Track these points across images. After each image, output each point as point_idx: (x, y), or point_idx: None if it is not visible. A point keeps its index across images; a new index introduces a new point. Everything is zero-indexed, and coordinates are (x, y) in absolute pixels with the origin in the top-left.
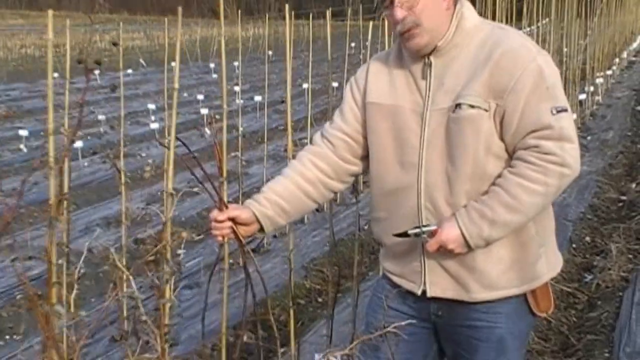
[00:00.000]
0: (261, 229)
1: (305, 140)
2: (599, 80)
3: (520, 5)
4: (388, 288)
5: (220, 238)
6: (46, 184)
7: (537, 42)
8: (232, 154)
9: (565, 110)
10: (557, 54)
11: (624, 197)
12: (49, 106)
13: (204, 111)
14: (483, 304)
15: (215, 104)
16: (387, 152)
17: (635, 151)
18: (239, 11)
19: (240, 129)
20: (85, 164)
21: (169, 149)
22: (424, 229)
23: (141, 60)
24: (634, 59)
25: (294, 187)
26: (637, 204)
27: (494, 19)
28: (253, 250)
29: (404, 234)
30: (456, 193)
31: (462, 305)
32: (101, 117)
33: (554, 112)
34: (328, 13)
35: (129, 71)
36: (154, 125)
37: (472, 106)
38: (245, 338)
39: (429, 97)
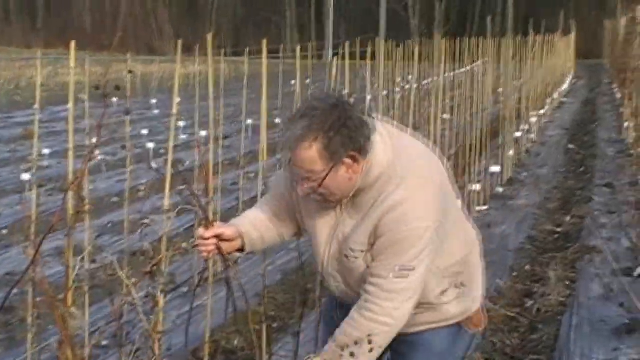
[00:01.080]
0: (240, 249)
1: (252, 174)
2: (533, 119)
3: (459, 46)
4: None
5: (205, 254)
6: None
7: (474, 81)
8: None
9: (407, 272)
10: (494, 93)
11: (559, 229)
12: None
13: (150, 145)
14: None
15: (159, 139)
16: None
17: (568, 187)
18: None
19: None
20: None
21: (158, 171)
22: None
23: (80, 95)
24: (564, 99)
25: (270, 223)
26: (572, 235)
27: (432, 59)
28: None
29: None
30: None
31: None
32: (45, 150)
33: (396, 270)
34: (264, 47)
35: (68, 106)
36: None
37: (356, 258)
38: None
39: (342, 218)
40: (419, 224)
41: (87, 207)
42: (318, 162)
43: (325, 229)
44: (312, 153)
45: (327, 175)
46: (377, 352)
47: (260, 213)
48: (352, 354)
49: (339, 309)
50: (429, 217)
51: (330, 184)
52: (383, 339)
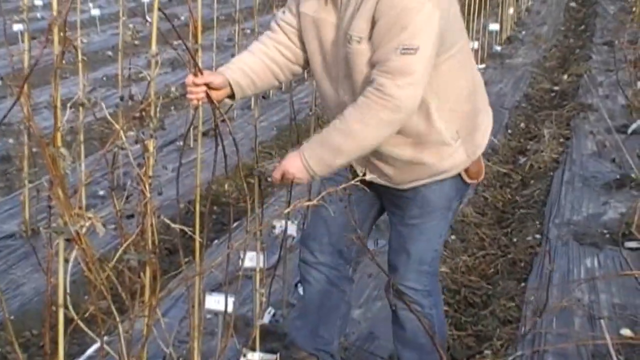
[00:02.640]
0: (231, 96)
1: (248, 30)
2: None
3: None
4: None
5: (195, 102)
6: None
7: None
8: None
9: (411, 50)
10: None
11: (556, 87)
12: None
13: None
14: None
15: None
16: (316, 61)
17: (568, 45)
18: None
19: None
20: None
21: (150, 22)
22: (265, 168)
23: None
24: None
25: (264, 65)
26: (568, 94)
27: None
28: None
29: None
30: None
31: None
32: (38, 2)
33: (399, 51)
34: None
35: None
36: (95, 12)
37: (358, 41)
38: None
39: (344, 17)
40: (414, 2)
41: (80, 58)
42: None
43: (329, 30)
44: None
45: None
46: (368, 146)
47: (250, 57)
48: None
49: None
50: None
51: None
52: (385, 127)
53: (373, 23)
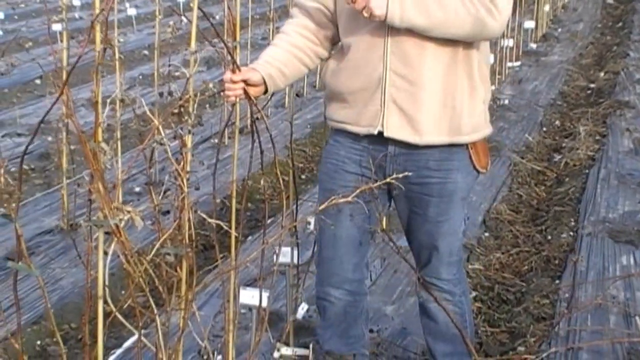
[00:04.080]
0: (265, 91)
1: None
2: None
3: None
4: (342, 153)
5: (232, 98)
6: (27, 66)
7: None
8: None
9: None
10: None
11: (592, 85)
12: None
13: None
14: (435, 159)
15: None
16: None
17: (605, 42)
18: None
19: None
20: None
21: (190, 20)
22: None
23: None
24: None
25: (288, 54)
26: (605, 91)
27: None
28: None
29: None
30: (423, 37)
31: (414, 157)
32: (76, 2)
33: None
34: None
35: None
36: (132, 12)
37: None
38: (262, 182)
39: None
40: None
41: (117, 57)
42: None
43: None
44: None
45: None
46: (450, 28)
47: (273, 48)
48: None
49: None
50: None
51: None
52: (477, 24)
53: None
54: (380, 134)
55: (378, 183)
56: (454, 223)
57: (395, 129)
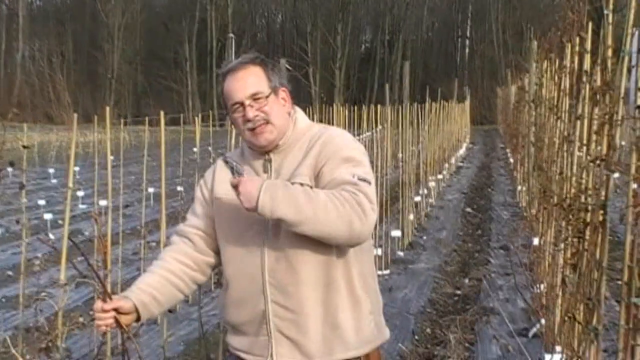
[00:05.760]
0: (137, 318)
1: (154, 243)
2: (432, 184)
3: (359, 113)
4: None
5: (103, 328)
6: None
7: (375, 147)
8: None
9: (368, 182)
10: (393, 159)
11: (458, 292)
12: None
13: (47, 216)
14: None
15: (57, 209)
16: (233, 239)
17: (467, 249)
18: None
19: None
20: None
21: (54, 244)
22: (240, 170)
23: None
24: (461, 164)
25: (163, 280)
26: (470, 297)
27: (333, 125)
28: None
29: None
30: (296, 261)
31: None
32: None
33: (356, 178)
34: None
35: None
36: None
37: (301, 184)
38: None
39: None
40: (357, 145)
41: None
42: (262, 81)
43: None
44: (256, 71)
45: (269, 94)
46: (319, 225)
47: (149, 276)
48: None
49: None
50: (357, 145)
51: (273, 108)
52: (345, 225)
53: (316, 168)
54: None
55: None
56: None
57: (285, 358)
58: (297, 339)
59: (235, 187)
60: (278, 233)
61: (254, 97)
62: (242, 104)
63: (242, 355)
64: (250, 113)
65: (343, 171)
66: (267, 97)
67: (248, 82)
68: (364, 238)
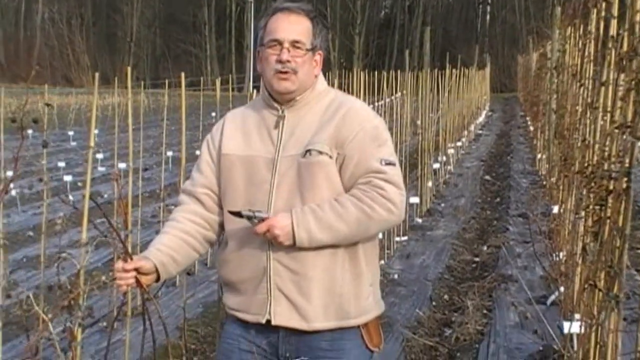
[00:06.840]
0: (157, 279)
1: (172, 206)
2: (451, 151)
3: (378, 79)
4: (237, 332)
5: (125, 287)
6: None
7: (393, 113)
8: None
9: (393, 164)
10: (412, 125)
11: (477, 259)
12: None
13: (67, 178)
14: (326, 340)
15: (77, 171)
16: (239, 197)
17: (485, 217)
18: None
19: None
20: None
21: (75, 208)
22: (257, 213)
23: None
24: (480, 132)
25: (179, 240)
26: (489, 265)
27: (351, 92)
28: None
29: (238, 214)
30: None
31: (306, 338)
32: None
33: (383, 163)
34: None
35: None
36: (14, 193)
37: (320, 152)
38: None
39: (280, 145)
40: (379, 119)
41: (0, 241)
42: (308, 35)
43: (265, 155)
44: (307, 24)
45: (309, 51)
46: (356, 234)
47: (164, 236)
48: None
49: (253, 335)
50: (379, 118)
51: (305, 63)
52: (382, 224)
53: (337, 140)
54: (269, 321)
55: None
56: None
57: (283, 318)
58: (297, 301)
59: (265, 232)
60: (285, 192)
61: (295, 44)
62: (281, 43)
63: (239, 314)
64: (285, 55)
65: (369, 156)
66: (306, 50)
67: (297, 28)
68: (399, 222)
